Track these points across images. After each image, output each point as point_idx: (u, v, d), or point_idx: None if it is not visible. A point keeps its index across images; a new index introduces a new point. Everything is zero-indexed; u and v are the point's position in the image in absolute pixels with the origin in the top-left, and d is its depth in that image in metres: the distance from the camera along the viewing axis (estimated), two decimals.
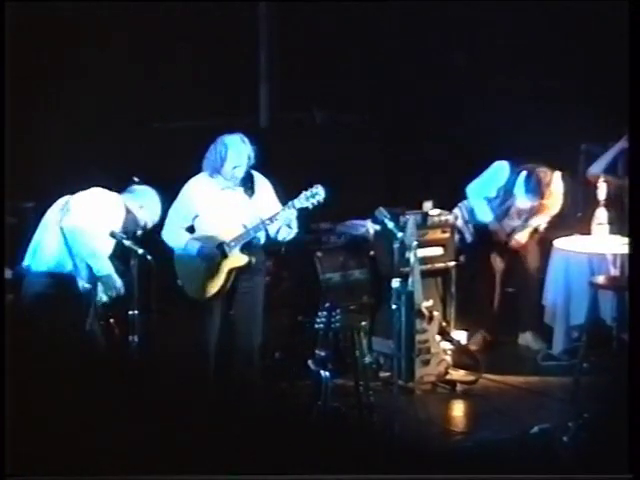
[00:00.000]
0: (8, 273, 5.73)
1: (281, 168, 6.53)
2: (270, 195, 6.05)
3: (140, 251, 5.72)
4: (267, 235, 6.01)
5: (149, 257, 5.73)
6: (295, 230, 6.01)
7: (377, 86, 8.06)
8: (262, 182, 6.06)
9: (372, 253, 7.01)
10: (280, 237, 6.02)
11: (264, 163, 6.11)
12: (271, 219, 5.89)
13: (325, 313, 5.73)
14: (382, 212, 6.48)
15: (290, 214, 5.89)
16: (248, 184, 6.01)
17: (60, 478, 4.30)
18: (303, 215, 6.02)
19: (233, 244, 5.92)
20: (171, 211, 6.06)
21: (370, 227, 6.98)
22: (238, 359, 6.03)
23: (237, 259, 5.93)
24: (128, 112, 7.37)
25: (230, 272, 5.93)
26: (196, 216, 6.02)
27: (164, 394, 4.80)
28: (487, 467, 4.60)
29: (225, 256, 5.93)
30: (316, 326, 5.90)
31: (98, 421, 4.39)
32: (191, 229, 6.05)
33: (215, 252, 5.93)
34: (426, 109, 7.95)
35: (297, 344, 6.65)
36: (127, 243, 5.75)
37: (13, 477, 4.32)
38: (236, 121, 7.26)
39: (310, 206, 5.92)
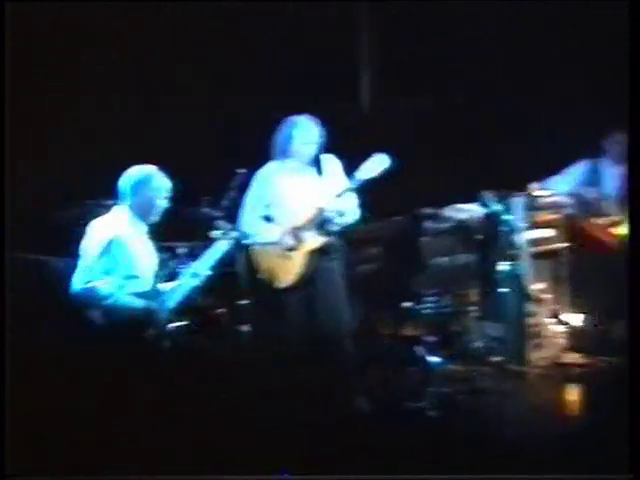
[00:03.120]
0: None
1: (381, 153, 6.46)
2: (341, 175, 5.98)
3: (247, 242, 5.80)
4: (340, 216, 5.93)
5: (255, 248, 5.78)
6: (364, 211, 5.89)
7: (476, 69, 7.92)
8: (331, 163, 6.00)
9: (479, 237, 6.90)
10: (353, 217, 5.94)
11: (365, 149, 6.04)
12: (341, 196, 5.82)
13: (433, 298, 5.66)
14: (488, 195, 6.38)
15: (356, 190, 5.78)
16: (318, 166, 5.96)
17: (60, 478, 4.29)
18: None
19: (307, 228, 5.88)
20: (246, 202, 6.04)
21: (476, 211, 6.88)
22: (329, 345, 5.94)
23: (312, 243, 5.89)
24: (232, 102, 7.40)
25: (307, 256, 5.90)
26: (270, 204, 6.00)
27: (252, 385, 4.82)
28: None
29: (300, 241, 5.89)
30: (424, 312, 5.85)
31: (98, 421, 4.40)
32: (268, 218, 6.02)
33: (291, 237, 5.89)
34: (526, 92, 7.79)
35: (405, 330, 6.58)
36: (233, 235, 5.76)
37: (13, 477, 4.31)
38: (337, 108, 7.20)
39: (374, 175, 5.81)
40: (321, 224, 5.90)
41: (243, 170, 6.00)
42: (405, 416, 5.53)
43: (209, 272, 5.60)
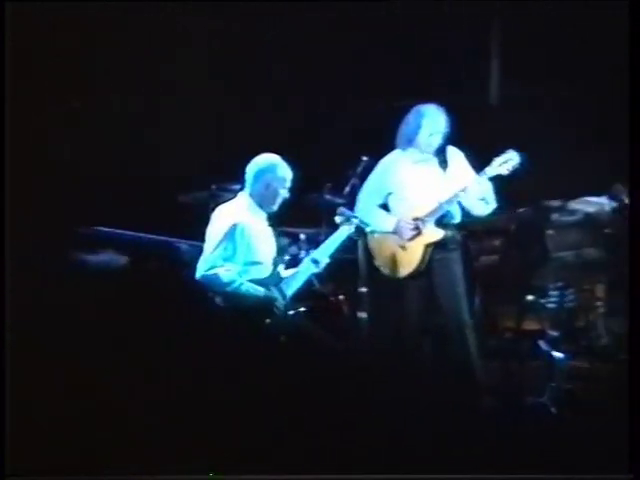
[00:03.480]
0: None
1: (509, 144, 6.34)
2: (465, 167, 5.88)
3: (368, 229, 5.71)
4: (462, 209, 5.84)
5: (377, 235, 5.76)
6: (493, 204, 5.80)
7: (603, 57, 7.70)
8: (456, 155, 5.91)
9: (607, 230, 6.71)
10: (477, 212, 5.84)
11: (493, 140, 5.94)
12: (463, 191, 5.72)
13: (557, 292, 5.53)
14: (619, 188, 6.20)
15: (483, 185, 5.69)
16: (442, 157, 5.87)
17: (60, 478, 4.31)
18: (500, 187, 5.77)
19: (427, 219, 5.80)
20: (365, 188, 5.99)
21: (605, 204, 6.69)
22: (445, 338, 5.89)
23: (431, 234, 5.81)
24: (360, 89, 7.39)
25: (426, 248, 5.82)
26: (390, 193, 5.94)
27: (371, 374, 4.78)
28: None
29: (419, 232, 5.82)
30: (548, 306, 5.72)
31: (98, 421, 4.41)
32: (385, 206, 5.96)
33: (409, 229, 5.83)
34: None
35: (528, 323, 6.46)
36: (355, 221, 5.75)
37: (13, 477, 4.33)
38: (464, 98, 7.11)
39: (504, 172, 5.70)
40: (442, 217, 5.82)
41: (366, 157, 5.99)
42: (526, 411, 5.42)
43: (329, 259, 5.60)
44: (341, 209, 5.78)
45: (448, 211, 5.81)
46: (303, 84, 7.28)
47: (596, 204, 6.73)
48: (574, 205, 6.82)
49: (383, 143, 6.17)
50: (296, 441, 4.43)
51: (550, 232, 6.68)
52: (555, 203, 6.84)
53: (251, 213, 5.53)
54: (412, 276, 5.84)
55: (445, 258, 5.81)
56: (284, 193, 5.54)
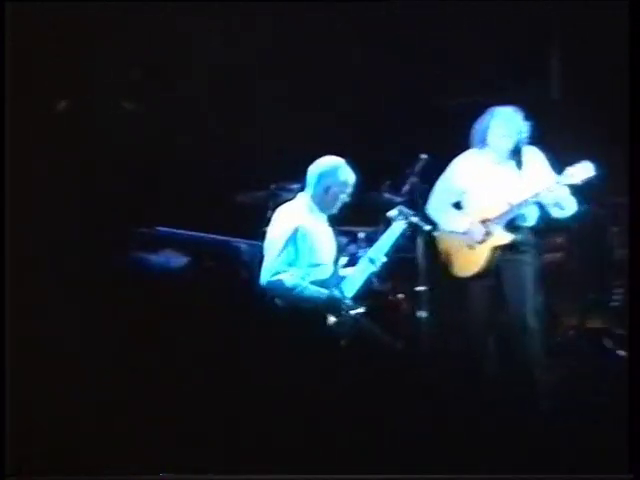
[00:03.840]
0: None
1: (575, 142, 6.26)
2: (542, 171, 5.76)
3: (427, 227, 5.68)
4: (539, 213, 5.74)
5: (436, 234, 5.71)
6: (570, 210, 5.70)
7: None
8: (534, 157, 5.80)
9: None
10: (553, 216, 5.74)
11: (555, 136, 5.86)
12: (535, 196, 5.64)
13: (622, 290, 5.43)
14: None
15: (557, 191, 5.60)
16: (518, 159, 5.78)
17: (60, 478, 4.29)
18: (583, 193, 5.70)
19: (497, 221, 5.73)
20: (437, 186, 5.94)
21: None
22: (513, 340, 5.78)
23: (500, 237, 5.73)
24: (419, 88, 7.35)
25: (493, 250, 5.74)
26: (464, 192, 5.87)
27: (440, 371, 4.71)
28: None
29: (488, 234, 5.76)
30: (612, 304, 5.63)
31: (98, 421, 4.40)
32: (458, 205, 5.90)
33: (480, 232, 5.77)
34: None
35: (592, 322, 6.40)
36: (414, 220, 5.72)
37: (13, 477, 4.31)
38: (525, 94, 7.02)
39: (577, 182, 5.60)
40: (513, 219, 5.73)
41: (425, 155, 5.95)
42: (591, 411, 5.34)
43: (385, 258, 5.58)
44: (400, 207, 5.75)
45: (520, 214, 5.72)
46: (364, 82, 7.26)
47: None
48: None
49: (443, 141, 6.13)
50: (361, 442, 4.43)
51: (614, 229, 6.58)
52: (620, 200, 6.72)
53: (311, 214, 5.52)
54: (478, 276, 5.76)
55: (515, 260, 5.72)
56: (344, 198, 5.52)
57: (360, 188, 5.66)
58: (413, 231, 5.67)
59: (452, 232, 5.83)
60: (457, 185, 5.87)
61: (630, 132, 4.76)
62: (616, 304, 6.37)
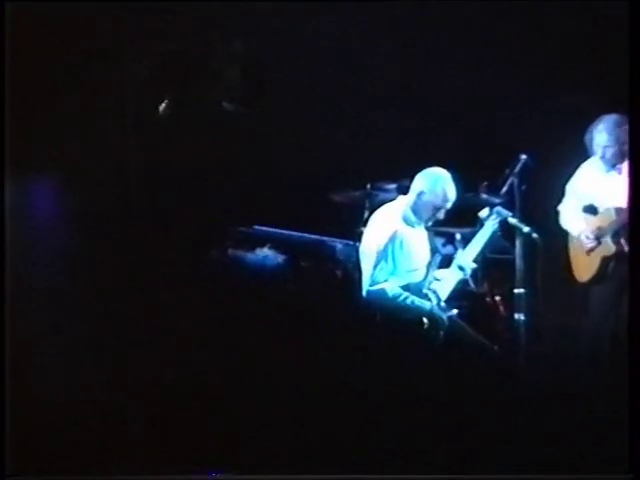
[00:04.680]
0: None
1: None
2: None
3: (526, 229, 5.64)
4: None
5: (535, 235, 5.65)
6: None
7: None
8: None
9: None
10: None
11: None
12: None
13: None
14: None
15: None
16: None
17: (60, 478, 4.27)
18: None
19: (607, 230, 5.67)
20: (568, 189, 5.93)
21: None
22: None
23: (607, 247, 5.67)
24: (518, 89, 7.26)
25: (604, 260, 5.68)
26: (587, 197, 5.84)
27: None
28: None
29: (598, 244, 5.69)
30: None
31: (98, 421, 4.37)
32: (589, 208, 5.84)
33: (588, 239, 5.72)
34: None
35: None
36: (512, 221, 5.67)
37: (13, 477, 4.29)
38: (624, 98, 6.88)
39: None
40: (622, 229, 5.66)
41: (524, 156, 5.89)
42: (591, 410, 5.24)
43: (475, 265, 5.53)
44: (498, 208, 5.75)
45: (624, 226, 5.61)
46: (463, 82, 7.21)
47: None
48: None
49: (543, 142, 6.06)
50: (453, 443, 4.44)
51: None
52: None
53: (409, 219, 5.57)
54: (591, 283, 5.76)
55: (622, 269, 5.61)
56: (441, 213, 5.56)
57: (458, 190, 5.67)
58: (511, 232, 5.62)
59: (576, 237, 5.82)
60: (580, 190, 5.87)
61: (630, 132, 4.71)
62: None
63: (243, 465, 4.30)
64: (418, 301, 5.42)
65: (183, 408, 4.50)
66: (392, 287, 5.40)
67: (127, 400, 4.52)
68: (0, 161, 4.63)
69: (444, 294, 5.51)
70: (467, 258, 5.61)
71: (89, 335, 4.79)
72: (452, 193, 5.57)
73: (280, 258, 6.22)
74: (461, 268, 5.57)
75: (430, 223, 5.63)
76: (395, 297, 5.38)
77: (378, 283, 5.42)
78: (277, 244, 6.27)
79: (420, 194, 5.56)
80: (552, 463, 4.34)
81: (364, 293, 5.45)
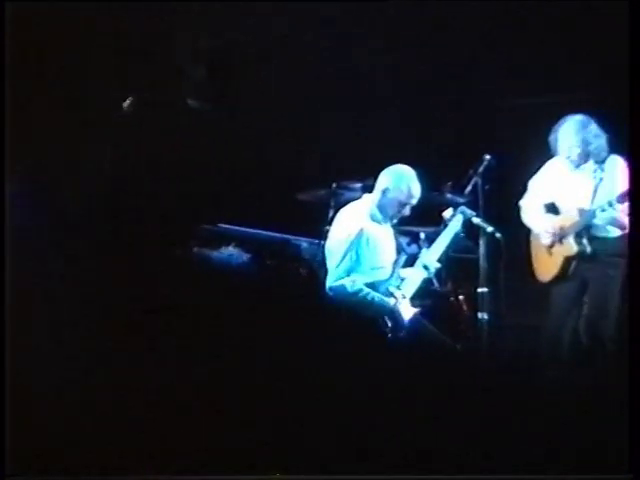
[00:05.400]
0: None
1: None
2: (617, 181, 5.66)
3: (489, 229, 5.67)
4: (603, 227, 5.68)
5: (498, 235, 5.68)
6: (617, 231, 5.63)
7: None
8: (615, 167, 5.72)
9: None
10: (608, 234, 5.67)
11: (610, 140, 5.79)
12: (604, 209, 5.57)
13: None
14: None
15: (609, 212, 5.54)
16: (599, 168, 5.71)
17: (60, 478, 4.27)
18: None
19: (570, 230, 5.68)
20: (531, 186, 5.95)
21: None
22: (587, 347, 5.79)
23: (569, 247, 5.69)
24: (482, 90, 7.30)
25: (566, 260, 5.70)
26: (551, 195, 5.86)
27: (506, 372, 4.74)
28: None
29: (556, 241, 5.73)
30: None
31: (98, 421, 4.36)
32: (550, 207, 5.87)
33: (547, 235, 5.75)
34: None
35: None
36: (476, 221, 5.70)
37: (13, 477, 4.29)
38: (589, 97, 6.94)
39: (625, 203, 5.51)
40: (586, 230, 5.68)
41: (488, 156, 5.92)
42: (591, 410, 5.29)
43: (439, 264, 5.58)
44: (462, 208, 5.76)
45: (594, 224, 5.66)
46: (427, 82, 7.23)
47: None
48: None
49: (507, 142, 6.08)
50: (411, 442, 4.43)
51: None
52: None
53: (374, 217, 5.58)
54: (553, 283, 5.76)
55: (595, 275, 5.66)
56: (407, 210, 5.57)
57: (422, 188, 5.67)
58: (476, 232, 5.65)
59: (536, 235, 5.83)
60: (545, 187, 5.87)
61: (630, 133, 4.73)
62: None
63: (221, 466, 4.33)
64: (380, 298, 5.43)
65: (183, 408, 4.51)
66: (355, 283, 5.40)
67: (127, 400, 4.52)
68: (0, 161, 4.64)
69: (408, 293, 5.53)
70: (431, 257, 5.64)
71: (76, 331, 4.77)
72: (417, 189, 5.58)
73: (245, 256, 6.21)
74: (425, 267, 5.60)
75: (395, 220, 5.63)
76: (357, 293, 5.39)
77: (341, 279, 5.42)
78: (242, 242, 6.26)
79: (385, 191, 5.57)
80: (552, 463, 4.34)
81: (327, 289, 5.45)
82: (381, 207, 5.57)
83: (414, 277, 5.57)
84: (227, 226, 6.34)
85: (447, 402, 4.61)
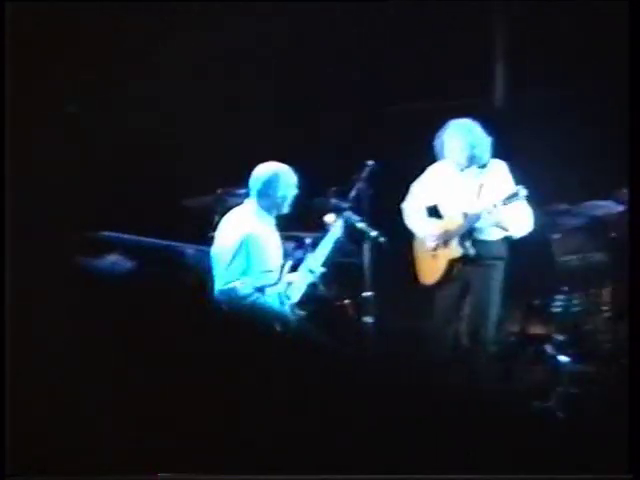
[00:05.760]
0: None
1: (516, 150, 6.31)
2: (500, 184, 5.80)
3: (373, 233, 5.70)
4: (485, 230, 5.78)
5: (382, 239, 5.71)
6: (513, 231, 5.75)
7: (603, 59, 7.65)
8: (498, 170, 5.84)
9: (613, 234, 6.62)
10: (490, 237, 5.79)
11: (498, 145, 5.92)
12: (484, 213, 5.67)
13: (563, 297, 5.50)
14: (625, 193, 6.14)
15: (495, 215, 5.65)
16: (481, 172, 5.81)
17: (60, 478, 4.27)
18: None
19: (453, 234, 5.77)
20: (412, 189, 5.99)
21: (611, 208, 6.63)
22: (465, 345, 5.92)
23: (453, 250, 5.78)
24: (365, 95, 7.38)
25: (450, 263, 5.79)
26: (433, 199, 5.92)
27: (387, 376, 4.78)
28: None
29: (440, 244, 5.81)
30: (553, 310, 5.69)
31: (98, 421, 4.37)
32: (433, 210, 5.94)
33: (431, 239, 5.82)
34: None
35: (534, 328, 6.45)
36: (360, 226, 5.73)
37: (13, 477, 4.29)
38: (470, 102, 7.08)
39: (509, 205, 5.64)
40: (469, 233, 5.77)
41: (371, 162, 5.96)
42: (532, 415, 5.40)
43: (323, 268, 5.61)
44: (346, 213, 5.78)
45: (477, 228, 5.74)
46: (311, 88, 7.27)
47: (602, 208, 6.67)
48: (580, 209, 6.76)
49: (391, 148, 6.14)
50: (300, 444, 4.41)
51: (556, 236, 6.61)
52: (561, 207, 6.77)
53: (260, 220, 5.54)
54: (437, 286, 5.83)
55: (476, 277, 5.76)
56: (290, 199, 5.55)
57: (307, 194, 5.69)
58: (360, 236, 5.68)
59: (420, 238, 5.87)
60: (427, 190, 5.92)
61: (630, 134, 4.82)
62: (558, 310, 6.43)
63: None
64: (268, 302, 5.43)
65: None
66: (243, 286, 5.39)
67: (127, 400, 4.45)
68: (0, 161, 4.63)
69: (295, 297, 5.54)
70: (316, 262, 5.66)
71: None
72: (294, 178, 5.57)
73: (129, 264, 6.13)
74: (311, 271, 5.62)
75: (284, 211, 5.60)
76: (246, 296, 5.38)
77: (230, 283, 5.40)
78: (126, 250, 6.17)
79: (265, 189, 5.54)
80: (552, 463, 4.31)
81: (215, 293, 5.42)
82: (263, 204, 5.54)
83: (300, 281, 5.58)
84: (110, 234, 6.23)
85: (333, 406, 4.63)
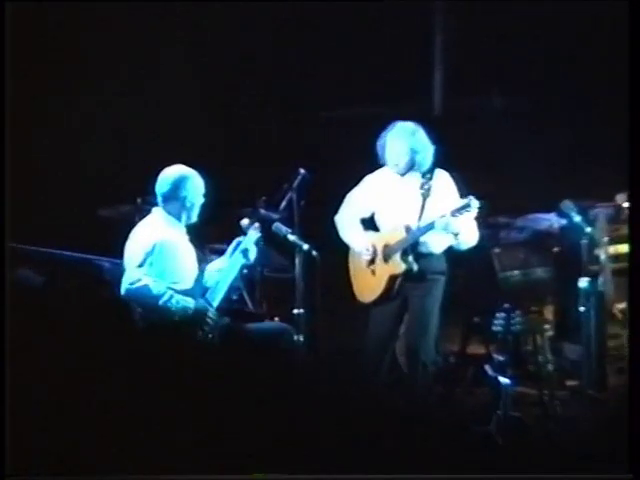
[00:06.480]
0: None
1: (455, 157, 6.11)
2: (445, 196, 5.52)
3: (305, 246, 5.50)
4: (428, 244, 5.52)
5: (314, 253, 5.51)
6: (463, 241, 5.50)
7: (553, 69, 7.64)
8: (442, 180, 5.56)
9: (557, 249, 6.49)
10: (433, 249, 5.52)
11: (437, 152, 5.68)
12: (430, 226, 5.40)
13: (504, 314, 5.39)
14: (568, 205, 5.99)
15: (445, 225, 5.38)
16: (425, 183, 5.52)
17: (60, 478, 4.26)
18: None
19: (395, 248, 5.49)
20: (348, 199, 5.72)
21: (554, 221, 6.48)
22: (403, 364, 5.75)
23: (395, 266, 5.49)
24: (296, 100, 7.25)
25: (391, 279, 5.51)
26: (371, 210, 5.65)
27: (326, 394, 4.57)
28: None
29: (386, 261, 5.52)
30: (494, 328, 5.51)
31: (98, 421, 4.30)
32: (369, 222, 5.66)
33: (374, 255, 5.55)
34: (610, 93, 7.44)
35: (473, 347, 6.30)
36: (292, 238, 5.51)
37: (13, 477, 4.30)
38: (409, 108, 6.91)
39: (461, 217, 5.38)
40: (412, 248, 5.47)
41: (303, 170, 5.74)
42: (471, 440, 5.18)
43: (258, 254, 5.40)
44: (277, 224, 5.57)
45: (416, 243, 5.46)
46: (238, 92, 7.13)
47: (545, 221, 6.54)
48: (522, 222, 6.61)
49: (322, 156, 5.96)
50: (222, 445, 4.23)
51: (497, 250, 6.47)
52: (502, 220, 6.62)
53: (170, 227, 5.31)
54: (376, 303, 5.56)
55: (416, 293, 5.50)
56: (199, 204, 5.33)
57: (234, 203, 5.58)
58: (291, 250, 5.50)
59: (356, 253, 5.61)
60: (365, 200, 5.66)
61: (630, 134, 4.68)
62: (498, 328, 6.22)
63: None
64: (183, 301, 5.19)
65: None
66: (156, 285, 5.15)
67: (127, 400, 4.35)
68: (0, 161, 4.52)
69: (215, 301, 5.29)
70: (229, 265, 5.39)
71: None
72: (201, 182, 5.34)
73: (41, 279, 5.88)
74: (244, 252, 5.38)
75: (194, 219, 5.35)
76: (159, 296, 5.14)
77: (139, 280, 5.14)
78: (38, 264, 5.92)
79: (173, 195, 5.30)
80: (552, 463, 4.28)
81: (123, 291, 5.16)
82: (172, 211, 5.32)
83: (217, 290, 5.33)
84: (20, 246, 5.86)
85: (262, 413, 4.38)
